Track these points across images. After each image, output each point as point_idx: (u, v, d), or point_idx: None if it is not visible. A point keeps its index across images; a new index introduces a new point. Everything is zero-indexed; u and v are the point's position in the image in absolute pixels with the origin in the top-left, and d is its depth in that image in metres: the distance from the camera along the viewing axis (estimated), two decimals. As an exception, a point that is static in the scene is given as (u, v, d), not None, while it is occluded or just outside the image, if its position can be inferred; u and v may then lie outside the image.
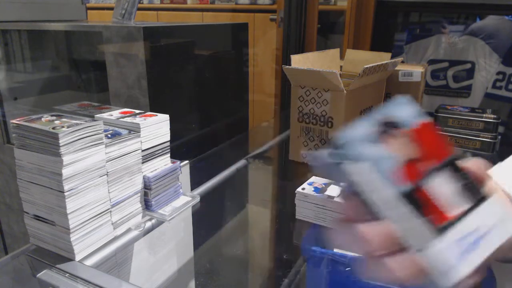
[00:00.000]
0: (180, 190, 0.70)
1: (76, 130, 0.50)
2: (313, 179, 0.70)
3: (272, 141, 1.15)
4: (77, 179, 0.51)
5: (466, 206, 0.27)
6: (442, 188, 0.26)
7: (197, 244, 0.69)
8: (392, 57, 1.01)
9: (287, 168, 1.00)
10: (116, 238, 0.59)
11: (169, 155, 0.69)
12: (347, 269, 0.57)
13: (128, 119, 0.62)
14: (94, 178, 0.53)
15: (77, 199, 0.51)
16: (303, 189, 0.66)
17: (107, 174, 0.55)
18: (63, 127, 0.49)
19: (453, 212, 0.26)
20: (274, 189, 0.94)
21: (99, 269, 0.53)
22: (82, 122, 0.51)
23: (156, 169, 0.65)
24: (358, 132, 0.27)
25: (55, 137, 0.48)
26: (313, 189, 0.67)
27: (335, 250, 0.62)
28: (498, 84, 1.43)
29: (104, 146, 0.54)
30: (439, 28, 1.50)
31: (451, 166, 0.27)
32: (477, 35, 1.45)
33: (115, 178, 0.57)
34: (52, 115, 0.54)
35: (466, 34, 1.46)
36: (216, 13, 2.38)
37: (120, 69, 0.90)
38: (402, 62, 1.09)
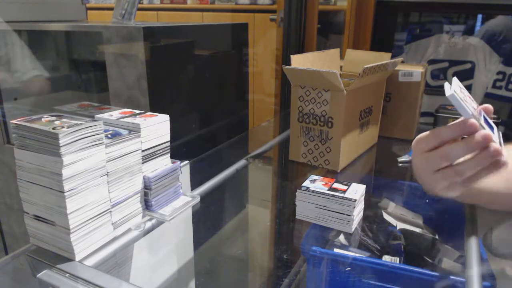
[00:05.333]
0: (180, 190, 0.70)
1: (76, 131, 0.50)
2: (313, 176, 0.70)
3: (272, 141, 1.15)
4: (77, 179, 0.51)
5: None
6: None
7: (197, 244, 0.69)
8: (392, 57, 1.01)
9: (287, 168, 1.00)
10: (116, 238, 0.59)
11: (169, 155, 0.69)
12: (347, 269, 0.57)
13: (128, 119, 0.62)
14: (94, 178, 0.53)
15: (77, 199, 0.51)
16: (306, 187, 0.66)
17: (107, 174, 0.55)
18: (63, 127, 0.49)
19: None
20: (274, 189, 0.95)
21: (99, 269, 0.53)
22: (82, 123, 0.51)
23: (156, 169, 0.65)
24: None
25: (55, 137, 0.48)
26: (315, 185, 0.67)
27: (335, 250, 0.62)
28: (498, 84, 1.43)
29: (104, 146, 0.54)
30: (439, 28, 1.51)
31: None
32: (478, 35, 1.45)
33: (115, 178, 0.57)
34: (52, 116, 0.54)
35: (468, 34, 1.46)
36: (216, 13, 2.38)
37: (120, 69, 0.90)
38: (402, 62, 1.09)
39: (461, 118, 0.50)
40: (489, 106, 0.55)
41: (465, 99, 0.51)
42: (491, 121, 0.55)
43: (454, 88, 0.50)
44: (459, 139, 0.51)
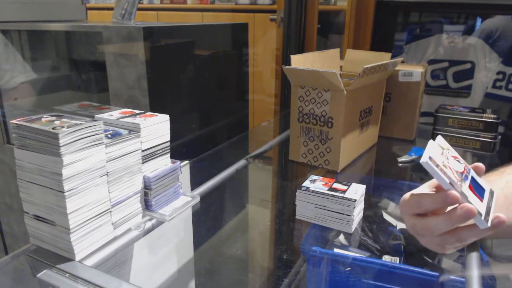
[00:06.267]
0: (180, 190, 0.70)
1: (76, 130, 0.50)
2: (313, 176, 0.70)
3: (272, 141, 1.15)
4: (77, 179, 0.51)
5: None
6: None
7: (197, 244, 0.69)
8: (392, 57, 1.01)
9: (287, 168, 1.00)
10: (116, 238, 0.59)
11: (169, 155, 0.69)
12: (347, 269, 0.57)
13: (128, 119, 0.62)
14: (94, 178, 0.53)
15: (77, 199, 0.51)
16: (306, 187, 0.66)
17: (107, 174, 0.55)
18: (63, 127, 0.49)
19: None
20: (274, 189, 0.95)
21: (99, 269, 0.53)
22: (82, 123, 0.51)
23: (156, 169, 0.65)
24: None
25: (55, 137, 0.48)
26: (315, 185, 0.67)
27: (335, 250, 0.62)
28: (498, 84, 1.43)
29: (104, 146, 0.54)
30: (439, 28, 1.51)
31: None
32: (477, 34, 1.45)
33: (115, 178, 0.57)
34: (52, 115, 0.54)
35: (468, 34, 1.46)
36: (216, 13, 2.38)
37: (120, 69, 0.90)
38: (402, 62, 1.09)
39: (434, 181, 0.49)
40: (480, 165, 0.53)
41: (447, 162, 0.47)
42: (481, 182, 0.52)
43: (432, 152, 0.46)
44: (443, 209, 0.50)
